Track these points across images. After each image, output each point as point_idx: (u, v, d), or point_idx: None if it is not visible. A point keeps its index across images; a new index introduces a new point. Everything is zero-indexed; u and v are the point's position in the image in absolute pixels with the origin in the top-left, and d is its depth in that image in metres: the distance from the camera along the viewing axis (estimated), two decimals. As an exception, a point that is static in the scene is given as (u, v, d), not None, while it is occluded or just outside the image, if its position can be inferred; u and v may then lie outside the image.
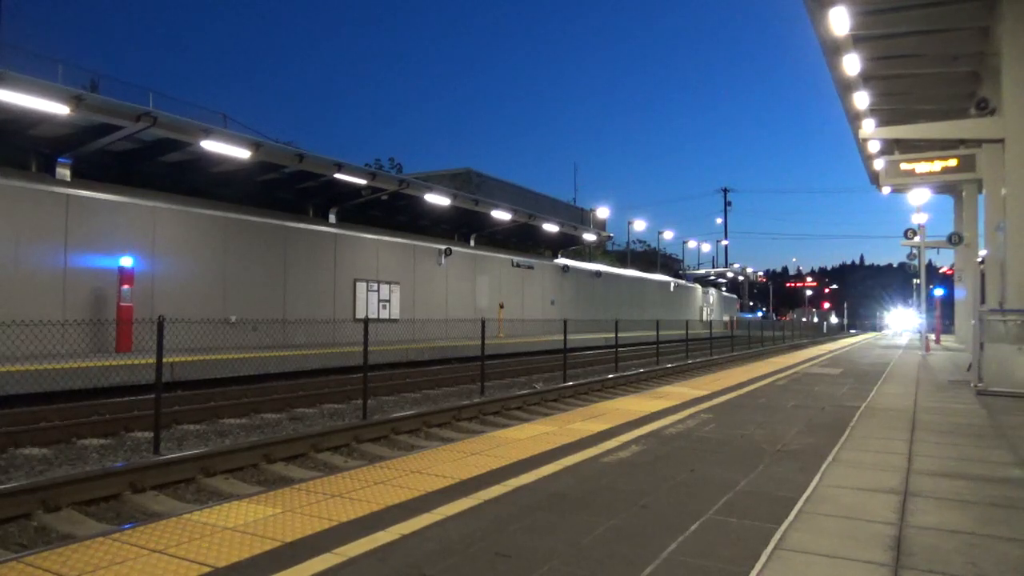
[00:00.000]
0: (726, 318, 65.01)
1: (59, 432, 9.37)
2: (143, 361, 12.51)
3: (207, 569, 3.39)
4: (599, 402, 11.30)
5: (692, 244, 79.29)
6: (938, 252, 41.50)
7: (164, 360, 8.39)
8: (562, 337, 18.11)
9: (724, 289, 79.73)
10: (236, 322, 18.08)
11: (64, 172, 16.55)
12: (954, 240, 27.36)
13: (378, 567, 3.45)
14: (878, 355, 24.90)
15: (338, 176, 21.38)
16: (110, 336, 15.69)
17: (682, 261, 79.25)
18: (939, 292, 40.62)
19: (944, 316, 46.79)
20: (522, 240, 37.09)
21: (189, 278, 18.46)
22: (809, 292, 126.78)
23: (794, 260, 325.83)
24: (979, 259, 25.58)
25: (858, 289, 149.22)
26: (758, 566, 3.46)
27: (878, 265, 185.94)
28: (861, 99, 21.14)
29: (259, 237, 20.59)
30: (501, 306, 30.65)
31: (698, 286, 65.45)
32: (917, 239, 28.13)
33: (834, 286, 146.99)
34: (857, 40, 17.46)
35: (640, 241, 78.11)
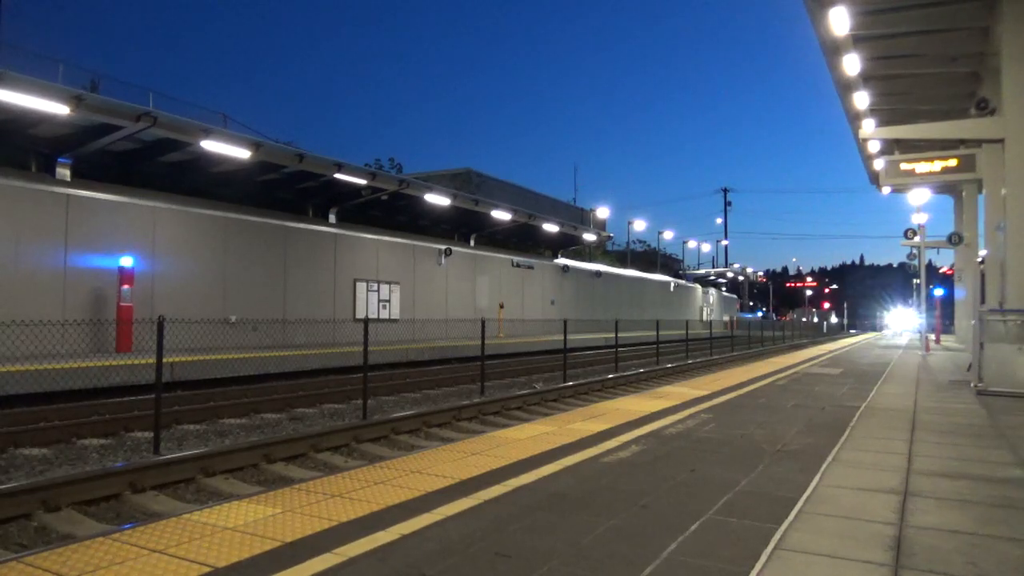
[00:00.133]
0: (726, 318, 65.01)
1: (59, 432, 9.37)
2: (143, 361, 12.50)
3: (207, 569, 3.39)
4: (599, 402, 11.30)
5: (692, 244, 79.39)
6: (938, 252, 41.52)
7: (164, 360, 8.39)
8: (562, 337, 18.11)
9: (724, 289, 79.73)
10: (236, 322, 18.07)
11: (64, 172, 16.55)
12: (954, 240, 27.36)
13: (378, 567, 3.45)
14: (878, 355, 24.90)
15: (338, 176, 21.38)
16: (110, 336, 15.69)
17: (682, 261, 79.27)
18: (939, 292, 40.63)
19: (944, 316, 46.80)
20: (522, 240, 37.09)
21: (189, 278, 18.46)
22: (809, 292, 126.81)
23: (794, 260, 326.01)
24: (979, 259, 25.57)
25: (858, 289, 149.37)
26: (758, 566, 3.46)
27: (878, 265, 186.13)
28: (861, 99, 21.14)
29: (259, 237, 20.59)
30: (501, 306, 30.65)
31: (698, 286, 65.45)
32: (917, 239, 28.13)
33: (834, 286, 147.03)
34: (857, 40, 17.45)
35: (640, 241, 78.17)
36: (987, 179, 17.09)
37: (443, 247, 28.32)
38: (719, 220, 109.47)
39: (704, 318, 60.65)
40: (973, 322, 14.39)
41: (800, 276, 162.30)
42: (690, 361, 24.75)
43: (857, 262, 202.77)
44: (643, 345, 29.90)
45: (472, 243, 32.14)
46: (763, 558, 3.57)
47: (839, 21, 15.48)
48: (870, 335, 67.41)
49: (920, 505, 4.64)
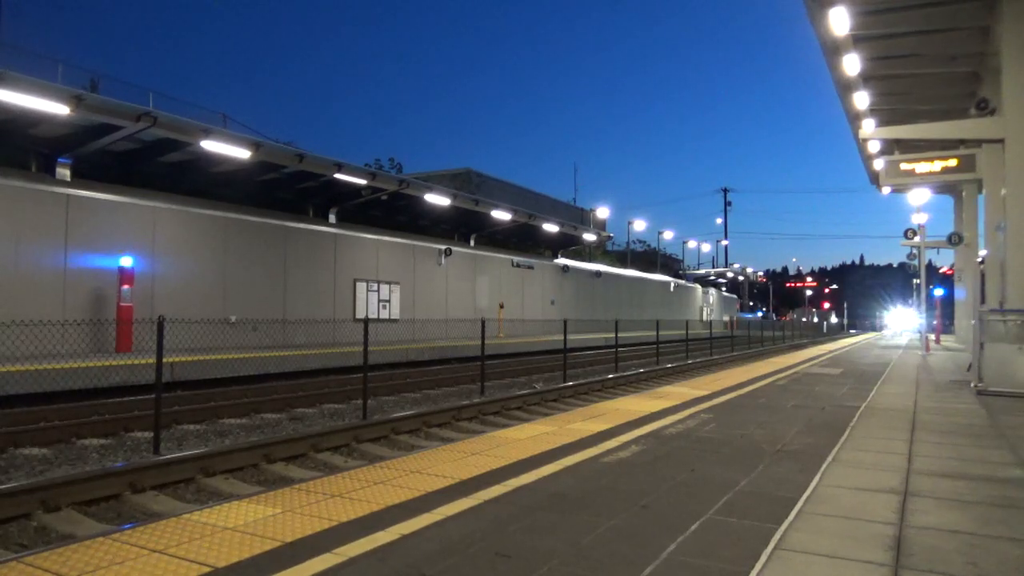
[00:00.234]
0: (726, 318, 65.02)
1: (59, 432, 9.37)
2: (143, 361, 12.50)
3: (207, 569, 3.39)
4: (599, 402, 11.30)
5: (692, 244, 79.37)
6: (938, 252, 41.49)
7: (164, 360, 8.39)
8: (562, 337, 18.11)
9: (724, 289, 79.73)
10: (236, 322, 18.07)
11: (64, 172, 16.55)
12: (954, 240, 27.35)
13: (378, 567, 3.45)
14: (878, 355, 24.90)
15: (338, 176, 21.39)
16: (110, 336, 15.69)
17: (682, 261, 79.26)
18: (939, 292, 40.64)
19: (944, 316, 46.81)
20: (522, 240, 37.09)
21: (189, 278, 18.46)
22: (809, 292, 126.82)
23: (794, 260, 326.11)
24: (979, 259, 25.56)
25: (858, 289, 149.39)
26: (758, 566, 3.46)
27: (878, 265, 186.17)
28: (861, 99, 21.13)
29: (259, 237, 20.59)
30: (501, 306, 30.65)
31: (698, 286, 65.45)
32: (917, 239, 28.13)
33: (834, 286, 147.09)
34: (857, 40, 17.45)
35: (640, 241, 78.19)
36: (987, 179, 17.08)
37: (443, 247, 28.32)
38: (719, 220, 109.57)
39: (704, 318, 60.65)
40: (973, 322, 14.39)
41: (800, 276, 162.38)
42: (690, 361, 24.75)
43: (857, 262, 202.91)
44: (643, 345, 29.90)
45: (472, 243, 32.14)
46: (763, 558, 3.57)
47: (839, 21, 15.48)
48: (870, 335, 67.41)
49: (920, 505, 4.64)
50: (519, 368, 20.12)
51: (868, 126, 22.30)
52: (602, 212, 51.43)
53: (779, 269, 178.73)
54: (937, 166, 17.23)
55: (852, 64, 18.17)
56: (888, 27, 17.11)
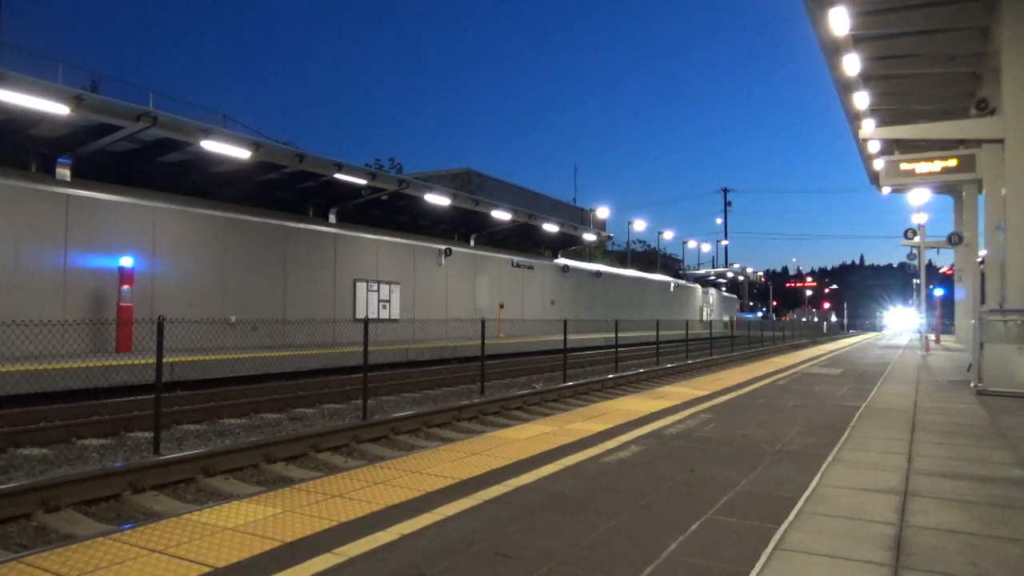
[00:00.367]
0: (726, 318, 64.99)
1: (59, 432, 9.37)
2: (143, 361, 12.51)
3: (207, 569, 3.39)
4: (599, 402, 11.29)
5: (692, 244, 79.36)
6: (938, 252, 41.50)
7: (164, 360, 8.39)
8: (562, 337, 18.11)
9: (724, 289, 79.72)
10: (236, 322, 18.08)
11: (64, 172, 16.55)
12: (954, 240, 27.36)
13: (378, 567, 3.45)
14: (878, 355, 24.90)
15: (338, 176, 21.38)
16: (110, 336, 15.69)
17: (682, 261, 79.29)
18: (939, 292, 40.63)
19: (944, 316, 46.79)
20: (522, 240, 37.09)
21: (189, 278, 18.46)
22: (809, 292, 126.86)
23: (794, 260, 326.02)
24: (979, 259, 25.56)
25: (858, 289, 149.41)
26: (758, 566, 3.45)
27: (878, 265, 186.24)
28: (861, 99, 21.14)
29: (259, 237, 20.59)
30: (501, 306, 30.65)
31: (698, 286, 65.45)
32: (917, 239, 28.14)
33: (834, 286, 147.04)
34: (857, 40, 17.46)
35: (640, 241, 78.24)
36: (987, 179, 17.10)
37: (443, 247, 28.32)
38: (719, 220, 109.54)
39: (704, 318, 60.64)
40: (973, 322, 14.39)
41: (800, 276, 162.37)
42: (690, 361, 24.75)
43: (857, 262, 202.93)
44: (643, 345, 29.90)
45: (472, 243, 32.14)
46: (763, 558, 3.57)
47: (839, 21, 15.49)
48: (870, 335, 67.41)
49: (920, 505, 4.64)
50: (519, 368, 20.12)
51: (868, 126, 22.31)
52: (602, 212, 51.44)
53: (779, 269, 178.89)
54: (937, 166, 17.24)
55: (852, 64, 18.18)
56: (888, 27, 17.12)
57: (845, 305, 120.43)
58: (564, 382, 16.42)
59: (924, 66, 19.90)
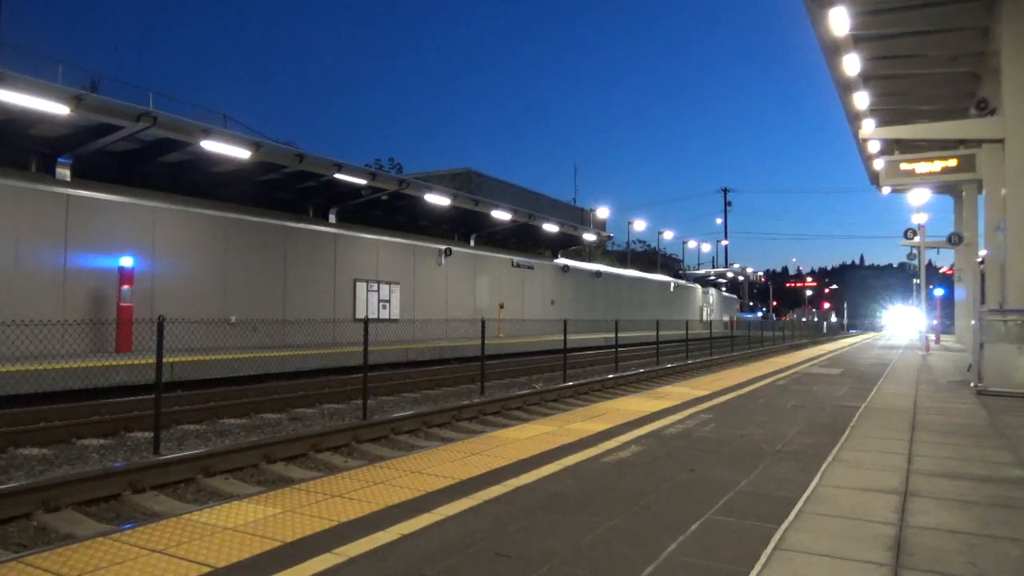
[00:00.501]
0: (726, 318, 65.01)
1: (59, 432, 9.37)
2: (143, 361, 12.51)
3: (207, 569, 3.39)
4: (599, 402, 11.30)
5: (692, 244, 79.38)
6: (938, 252, 41.50)
7: (164, 360, 8.39)
8: (562, 337, 18.11)
9: (724, 289, 79.73)
10: (236, 322, 18.07)
11: (64, 172, 16.55)
12: (954, 240, 27.36)
13: (378, 567, 3.45)
14: (877, 355, 24.90)
15: (338, 176, 21.39)
16: (110, 336, 15.69)
17: (682, 261, 79.32)
18: (939, 292, 40.64)
19: (944, 316, 46.80)
20: (522, 240, 37.09)
21: (189, 278, 18.46)
22: (809, 292, 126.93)
23: (794, 260, 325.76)
24: (979, 259, 25.56)
25: (858, 289, 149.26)
26: (758, 566, 3.45)
27: (878, 265, 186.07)
28: (861, 99, 21.13)
29: (259, 237, 20.59)
30: (501, 306, 30.65)
31: (698, 286, 65.45)
32: (917, 239, 28.15)
33: (834, 286, 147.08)
34: (857, 40, 17.44)
35: (640, 241, 78.24)
36: (987, 179, 17.09)
37: (443, 247, 28.32)
38: (719, 220, 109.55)
39: (704, 318, 60.65)
40: (973, 322, 14.40)
41: (800, 276, 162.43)
42: (690, 361, 24.75)
43: (857, 262, 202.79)
44: (643, 345, 29.91)
45: (472, 243, 32.14)
46: (763, 558, 3.57)
47: (839, 21, 15.48)
48: (870, 335, 67.40)
49: (920, 505, 4.64)
50: (519, 368, 20.12)
51: (868, 126, 22.29)
52: (602, 212, 51.46)
53: (779, 269, 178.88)
54: (937, 166, 17.24)
55: (852, 64, 18.16)
56: (888, 27, 17.11)
57: (845, 305, 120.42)
58: (564, 382, 16.43)
59: (924, 66, 19.89)
